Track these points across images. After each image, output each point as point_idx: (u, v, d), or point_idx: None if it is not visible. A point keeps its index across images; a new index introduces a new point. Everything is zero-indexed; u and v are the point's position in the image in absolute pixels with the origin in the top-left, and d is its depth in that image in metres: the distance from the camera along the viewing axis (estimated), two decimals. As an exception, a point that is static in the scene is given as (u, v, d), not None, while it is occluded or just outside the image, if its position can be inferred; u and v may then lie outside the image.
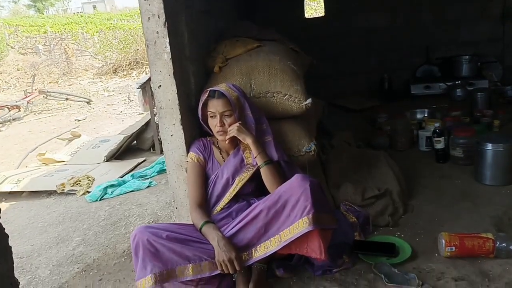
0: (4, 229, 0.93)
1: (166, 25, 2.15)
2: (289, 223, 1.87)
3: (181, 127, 2.27)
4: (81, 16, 29.24)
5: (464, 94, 4.68)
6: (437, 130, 3.25)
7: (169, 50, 2.17)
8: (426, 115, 4.10)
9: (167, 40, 2.16)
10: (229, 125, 2.14)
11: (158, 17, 2.15)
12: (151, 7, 2.16)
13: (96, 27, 20.87)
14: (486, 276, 1.97)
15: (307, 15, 5.86)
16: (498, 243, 2.07)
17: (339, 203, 2.60)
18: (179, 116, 2.26)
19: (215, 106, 2.13)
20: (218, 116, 2.13)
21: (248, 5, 5.08)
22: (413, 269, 2.07)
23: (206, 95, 2.17)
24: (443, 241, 2.11)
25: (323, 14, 5.70)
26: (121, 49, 13.77)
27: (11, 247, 0.94)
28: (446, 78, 5.08)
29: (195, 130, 2.41)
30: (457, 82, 4.85)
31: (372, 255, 2.18)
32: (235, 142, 2.23)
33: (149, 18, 2.17)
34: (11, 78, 12.95)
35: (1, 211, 0.92)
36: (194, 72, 2.46)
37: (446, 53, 5.34)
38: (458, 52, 5.21)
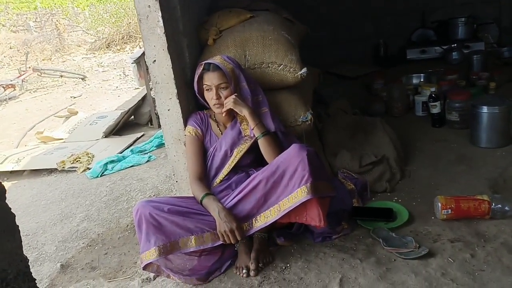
0: (11, 208, 0.95)
1: (158, -2, 2.13)
2: (288, 192, 1.91)
3: (178, 101, 2.27)
4: (71, -10, 28.61)
5: (460, 57, 4.66)
6: (433, 95, 3.26)
7: (162, 25, 2.15)
8: (422, 80, 4.10)
9: (160, 14, 2.14)
10: (225, 98, 2.14)
11: (149, -10, 2.13)
12: (142, -19, 2.13)
13: (87, 0, 20.47)
14: (482, 236, 2.02)
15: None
16: (493, 204, 2.11)
17: (336, 171, 2.64)
18: (175, 90, 2.26)
19: (211, 79, 2.13)
20: (214, 89, 2.14)
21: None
22: (410, 233, 2.12)
23: (201, 68, 2.17)
24: (439, 204, 2.16)
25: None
26: (113, 23, 13.56)
27: (18, 225, 0.97)
28: (442, 42, 5.04)
29: (192, 103, 2.42)
30: (453, 45, 4.82)
31: (370, 221, 2.24)
32: (232, 114, 2.24)
33: (140, -8, 2.15)
34: (4, 57, 12.80)
35: (2, 183, 0.95)
36: (188, 46, 2.44)
37: (442, 16, 5.27)
38: (454, 15, 5.15)
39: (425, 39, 5.32)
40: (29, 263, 1.02)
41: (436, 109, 3.24)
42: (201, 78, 2.19)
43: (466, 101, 3.09)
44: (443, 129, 3.23)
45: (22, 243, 1.02)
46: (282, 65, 2.38)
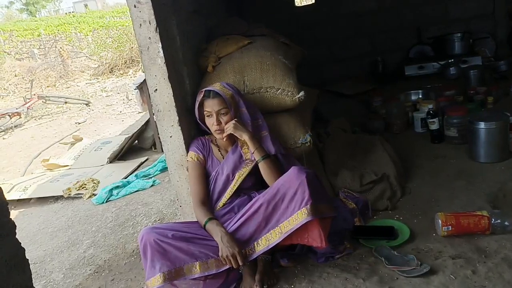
0: (20, 243, 1.00)
1: (158, 30, 2.20)
2: (288, 214, 1.94)
3: (179, 128, 2.33)
4: (73, 16, 29.18)
5: (457, 72, 4.71)
6: (431, 112, 3.30)
7: (163, 55, 2.22)
8: (420, 96, 4.15)
9: (160, 45, 2.21)
10: (226, 123, 2.20)
11: (149, 23, 2.20)
12: (142, 14, 2.20)
13: (89, 26, 20.85)
14: (483, 252, 2.04)
15: (297, 4, 5.88)
16: (493, 219, 2.14)
17: (338, 190, 2.67)
18: (177, 118, 2.32)
19: (211, 106, 2.20)
20: (215, 115, 2.20)
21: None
22: (412, 250, 2.14)
23: (202, 96, 2.23)
24: (440, 221, 2.18)
25: (312, 1, 5.72)
26: (115, 48, 13.78)
27: (28, 259, 1.02)
28: (439, 57, 5.10)
29: (193, 129, 2.48)
30: (450, 61, 4.87)
31: (372, 240, 2.26)
32: (232, 139, 2.29)
33: (140, 24, 2.22)
34: (9, 84, 12.99)
35: (12, 219, 1.00)
36: (188, 73, 2.52)
37: (438, 32, 5.35)
38: (449, 30, 5.22)
39: (422, 55, 5.39)
40: (38, 294, 1.06)
41: (434, 125, 3.28)
42: (201, 105, 2.25)
43: (463, 117, 3.13)
44: (442, 145, 3.27)
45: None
46: (280, 89, 2.44)
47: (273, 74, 2.47)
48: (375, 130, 3.60)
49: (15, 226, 0.99)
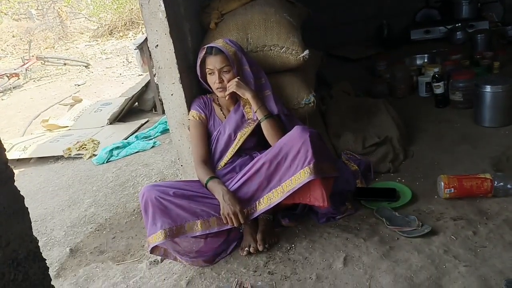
0: (20, 191, 0.98)
1: (159, -18, 2.13)
2: (291, 174, 1.93)
3: (181, 85, 2.29)
4: (72, -23, 28.47)
5: (464, 37, 4.62)
6: (436, 75, 3.24)
7: (164, 9, 2.15)
8: (426, 60, 4.07)
9: (161, -2, 2.14)
10: (228, 81, 2.15)
11: (150, -26, 2.13)
12: (142, -35, 2.13)
13: (88, -13, 20.36)
14: (484, 214, 2.04)
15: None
16: (496, 182, 2.13)
17: (340, 152, 2.65)
18: (178, 75, 2.27)
19: (213, 63, 2.14)
20: (217, 73, 2.14)
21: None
22: (414, 212, 2.14)
23: (204, 52, 2.17)
24: (442, 183, 2.17)
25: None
26: (115, 9, 13.48)
27: (27, 207, 1.00)
28: (446, 22, 4.99)
29: (195, 88, 2.43)
30: (457, 25, 4.77)
31: (373, 201, 2.26)
32: (235, 98, 2.25)
33: (140, -24, 2.15)
34: (7, 45, 12.79)
35: (10, 166, 0.97)
36: (190, 30, 2.45)
37: (446, -5, 5.22)
38: (458, -7, 5.09)
39: (429, 19, 5.27)
40: (38, 245, 1.05)
41: (439, 89, 3.23)
42: (203, 62, 2.19)
43: (469, 81, 3.08)
44: (447, 110, 3.22)
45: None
46: (284, 48, 2.38)
47: (278, 31, 2.40)
48: (379, 94, 3.54)
49: (13, 173, 0.97)
